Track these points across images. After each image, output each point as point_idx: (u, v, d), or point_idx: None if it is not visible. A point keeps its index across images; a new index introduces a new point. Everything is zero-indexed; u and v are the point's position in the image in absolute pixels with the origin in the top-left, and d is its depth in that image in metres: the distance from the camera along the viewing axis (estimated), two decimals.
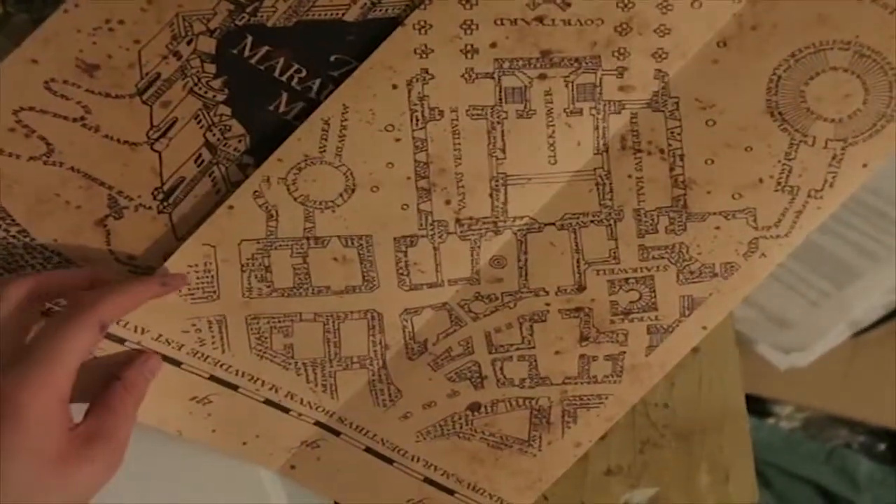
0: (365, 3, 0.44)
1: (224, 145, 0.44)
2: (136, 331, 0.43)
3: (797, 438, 0.80)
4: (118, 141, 0.43)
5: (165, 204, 0.44)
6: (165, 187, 0.44)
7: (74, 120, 0.43)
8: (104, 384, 0.40)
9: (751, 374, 0.54)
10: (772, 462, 0.81)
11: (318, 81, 0.44)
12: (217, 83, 0.43)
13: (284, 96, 0.44)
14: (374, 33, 0.44)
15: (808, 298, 0.69)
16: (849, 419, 0.79)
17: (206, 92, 0.43)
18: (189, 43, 0.43)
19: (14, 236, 0.43)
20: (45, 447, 0.34)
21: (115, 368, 0.41)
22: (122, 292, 0.39)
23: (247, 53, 0.44)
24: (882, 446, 0.81)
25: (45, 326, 0.37)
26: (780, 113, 0.43)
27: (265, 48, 0.43)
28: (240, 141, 0.44)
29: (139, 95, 0.43)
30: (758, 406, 0.84)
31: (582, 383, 0.47)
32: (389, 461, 0.48)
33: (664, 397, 0.52)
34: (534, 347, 0.46)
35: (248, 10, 0.43)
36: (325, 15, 0.44)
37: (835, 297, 0.68)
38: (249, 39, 0.43)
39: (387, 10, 0.44)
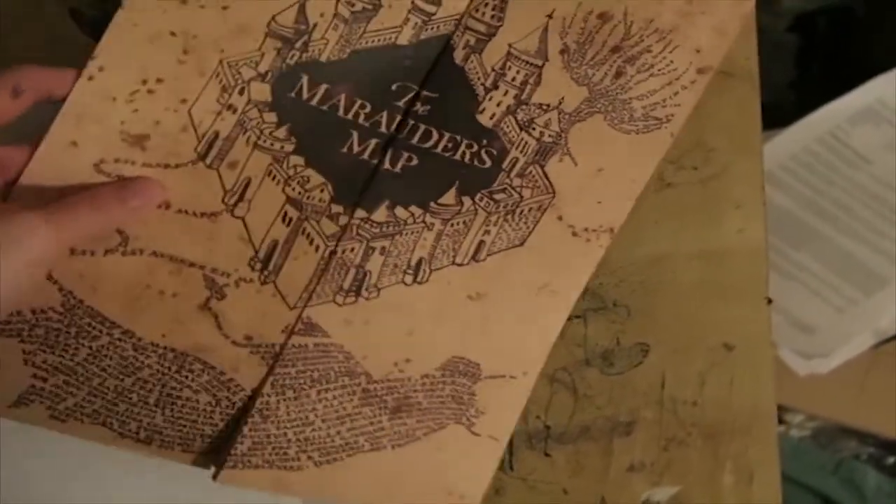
0: (416, 23, 0.42)
1: (308, 198, 0.42)
2: None
3: (806, 448, 0.81)
4: (194, 214, 0.41)
5: (266, 272, 0.42)
6: (261, 255, 0.41)
7: None
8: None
9: None
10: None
11: (384, 114, 0.42)
12: (282, 132, 0.41)
13: (355, 135, 0.42)
14: (428, 54, 0.43)
15: (835, 305, 0.70)
16: (858, 430, 0.80)
17: (272, 144, 0.41)
18: (241, 92, 0.40)
19: (119, 339, 0.40)
20: None
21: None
22: None
23: (305, 95, 0.41)
24: (891, 459, 0.83)
25: None
26: None
27: (323, 86, 0.41)
28: (322, 190, 0.42)
29: (201, 160, 0.40)
30: None
31: None
32: None
33: (694, 394, 0.51)
34: None
35: (298, 45, 0.41)
36: (379, 41, 0.42)
37: (861, 304, 0.70)
38: (305, 79, 0.41)
39: (438, 27, 0.42)
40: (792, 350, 0.70)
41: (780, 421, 0.84)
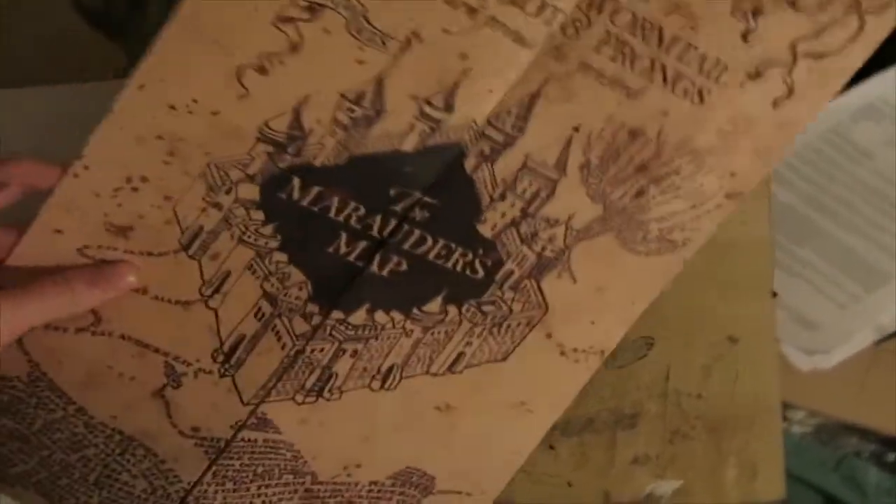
0: (423, 130, 0.39)
1: (284, 295, 0.41)
2: None
3: (807, 444, 0.80)
4: (169, 301, 0.40)
5: (227, 366, 0.41)
6: (225, 347, 0.41)
7: None
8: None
9: None
10: None
11: (378, 217, 0.41)
12: (267, 230, 0.40)
13: (343, 237, 0.41)
14: (433, 161, 0.40)
15: (837, 301, 0.70)
16: (859, 427, 0.80)
17: (256, 240, 0.40)
18: (228, 192, 0.39)
19: (73, 415, 0.41)
20: None
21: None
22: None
23: (296, 196, 0.40)
24: (892, 456, 0.83)
25: None
26: None
27: (316, 189, 0.40)
28: (300, 288, 0.41)
29: (184, 250, 0.40)
30: None
31: None
32: None
33: (698, 387, 0.52)
34: None
35: (290, 150, 0.39)
36: (380, 147, 0.40)
37: (863, 300, 0.70)
38: (297, 182, 0.39)
39: (447, 134, 0.40)
40: (794, 346, 0.71)
41: (782, 418, 0.85)
